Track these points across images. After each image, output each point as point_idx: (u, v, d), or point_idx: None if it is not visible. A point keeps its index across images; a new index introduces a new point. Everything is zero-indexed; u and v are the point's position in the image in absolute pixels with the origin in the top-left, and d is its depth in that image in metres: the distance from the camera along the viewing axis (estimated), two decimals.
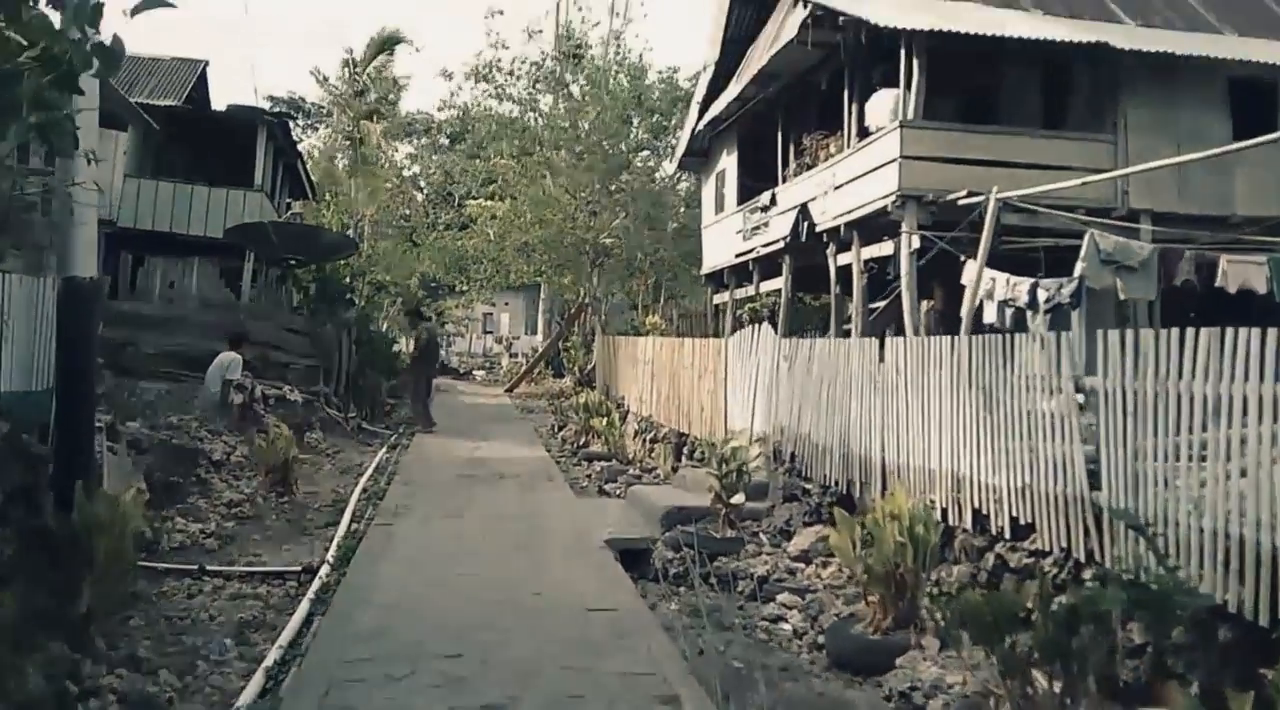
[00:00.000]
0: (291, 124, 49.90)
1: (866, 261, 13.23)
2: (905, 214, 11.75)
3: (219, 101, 24.86)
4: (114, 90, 14.92)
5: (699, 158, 20.83)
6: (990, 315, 10.52)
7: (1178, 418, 5.04)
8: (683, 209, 27.77)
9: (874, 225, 12.72)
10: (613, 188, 25.88)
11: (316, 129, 48.65)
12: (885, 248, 12.51)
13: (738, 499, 9.06)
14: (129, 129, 18.37)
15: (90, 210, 7.17)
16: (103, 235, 20.22)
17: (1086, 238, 9.64)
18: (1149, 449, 5.23)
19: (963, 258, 11.03)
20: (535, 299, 41.08)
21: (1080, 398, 5.86)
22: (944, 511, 6.98)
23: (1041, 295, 9.91)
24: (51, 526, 5.54)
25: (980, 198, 10.39)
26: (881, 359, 8.17)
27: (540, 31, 26.76)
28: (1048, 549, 5.93)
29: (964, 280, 10.80)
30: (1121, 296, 9.93)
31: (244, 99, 48.73)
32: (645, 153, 29.07)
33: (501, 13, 24.25)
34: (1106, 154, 12.01)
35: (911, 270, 11.84)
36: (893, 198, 11.78)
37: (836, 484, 8.83)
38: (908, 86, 11.72)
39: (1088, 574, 5.50)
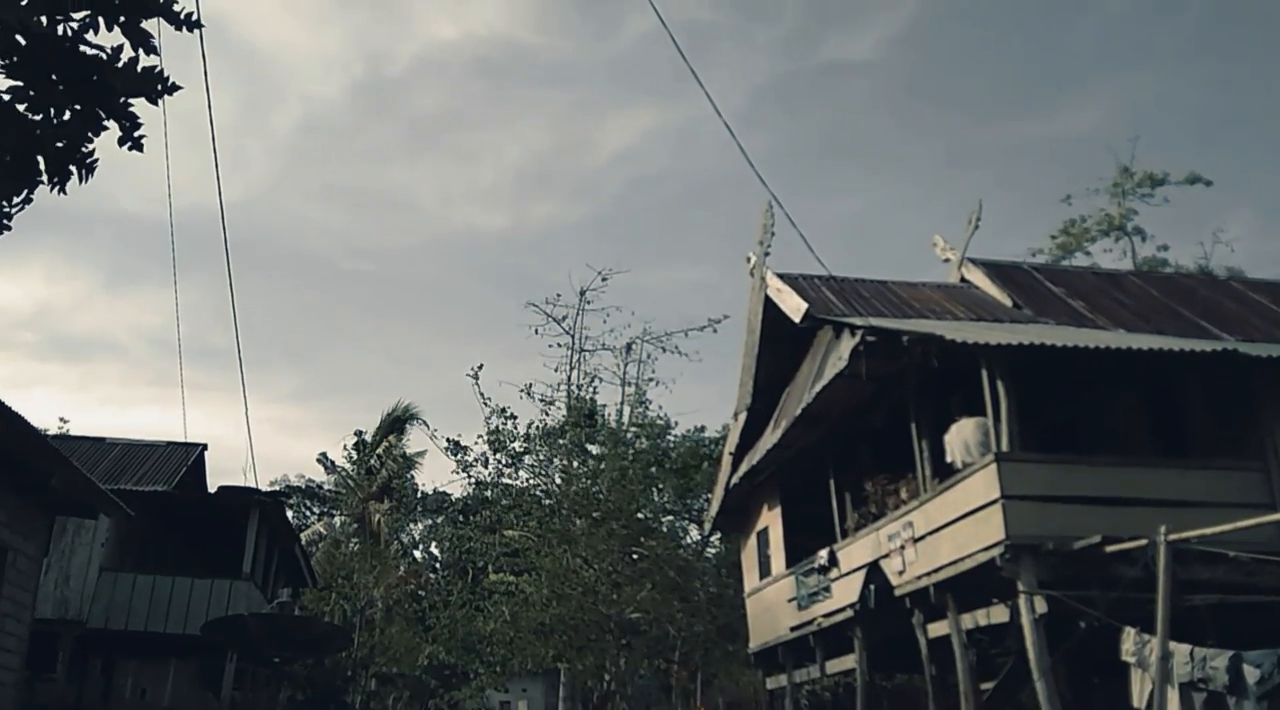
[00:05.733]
0: (306, 510, 48.81)
1: (969, 631, 10.52)
2: (1020, 569, 9.23)
3: (233, 479, 23.85)
4: (85, 479, 13.23)
5: (735, 517, 18.50)
6: (1173, 705, 7.71)
7: None
8: (710, 579, 25.07)
9: (974, 584, 10.15)
10: (635, 556, 23.46)
11: (332, 515, 47.07)
12: (996, 613, 9.88)
13: None
14: (100, 518, 16.65)
15: None
16: (70, 639, 18.26)
17: None
18: None
19: (1093, 622, 8.49)
20: (555, 684, 37.09)
21: None
22: None
23: (1250, 675, 7.17)
24: None
25: (1134, 544, 7.97)
26: None
27: (553, 402, 25.91)
28: None
29: (1126, 655, 8.10)
30: None
31: (272, 476, 47.96)
32: (670, 517, 27.01)
33: (482, 366, 23.42)
34: (1258, 485, 9.70)
35: (1041, 643, 9.08)
36: (1000, 549, 9.33)
37: None
38: (996, 414, 9.72)
39: None
